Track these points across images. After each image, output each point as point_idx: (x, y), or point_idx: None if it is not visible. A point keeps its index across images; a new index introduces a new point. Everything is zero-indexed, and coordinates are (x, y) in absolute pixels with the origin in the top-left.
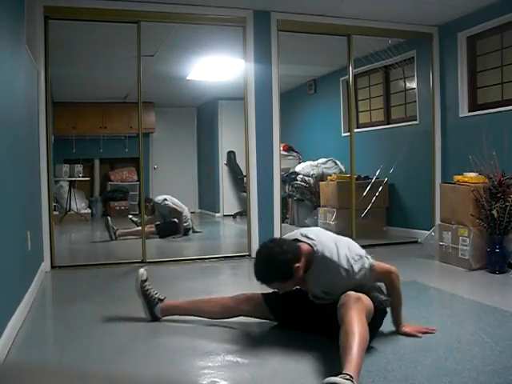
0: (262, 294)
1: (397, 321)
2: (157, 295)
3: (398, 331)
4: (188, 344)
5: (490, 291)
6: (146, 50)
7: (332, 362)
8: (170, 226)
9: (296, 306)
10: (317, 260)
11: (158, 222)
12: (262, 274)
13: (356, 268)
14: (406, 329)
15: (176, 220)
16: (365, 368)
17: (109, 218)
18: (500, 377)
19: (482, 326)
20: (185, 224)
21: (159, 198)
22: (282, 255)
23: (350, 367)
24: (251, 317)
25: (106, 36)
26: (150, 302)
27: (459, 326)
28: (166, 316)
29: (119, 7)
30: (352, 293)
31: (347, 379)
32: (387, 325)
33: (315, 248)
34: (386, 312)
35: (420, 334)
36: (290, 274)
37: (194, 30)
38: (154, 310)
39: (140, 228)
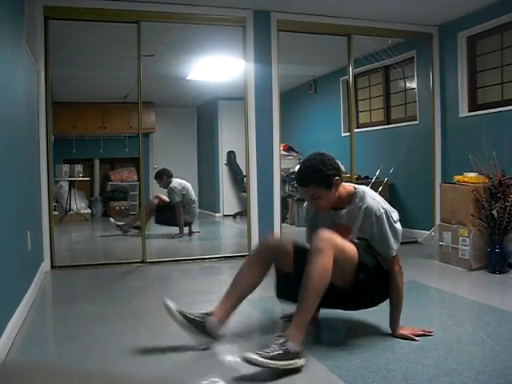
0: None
1: (393, 322)
2: (199, 312)
3: (394, 334)
4: (188, 344)
5: (490, 291)
6: (146, 50)
7: (333, 362)
8: (170, 213)
9: None
10: (357, 196)
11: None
12: (304, 173)
13: (394, 222)
14: (402, 331)
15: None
16: (365, 368)
17: (111, 219)
18: (500, 377)
19: (481, 326)
20: (188, 217)
21: (176, 184)
22: (328, 160)
23: (290, 329)
24: (275, 261)
25: (106, 36)
26: (198, 324)
27: (459, 326)
28: (223, 325)
29: (119, 7)
30: (321, 232)
31: (259, 355)
32: (387, 325)
33: (357, 188)
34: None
35: (417, 338)
36: (330, 182)
37: (193, 30)
38: (207, 329)
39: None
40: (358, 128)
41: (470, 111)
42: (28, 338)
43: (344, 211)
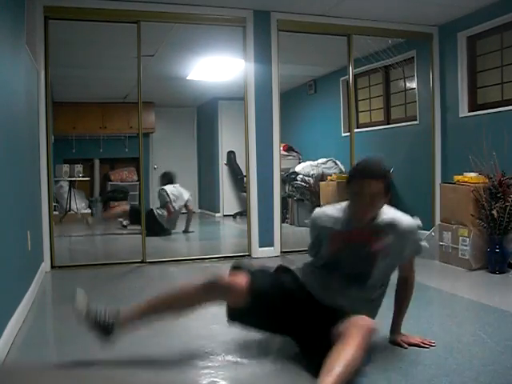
0: (249, 277)
1: (395, 326)
2: (107, 312)
3: (394, 340)
4: (188, 344)
5: (490, 291)
6: (146, 50)
7: None
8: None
9: (288, 305)
10: (384, 211)
11: (133, 204)
12: (377, 167)
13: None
14: (402, 339)
15: (158, 216)
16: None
17: (88, 219)
18: (500, 377)
19: (481, 326)
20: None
21: (169, 189)
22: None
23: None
24: (221, 301)
25: (105, 36)
26: (105, 326)
27: (459, 326)
28: (125, 329)
29: (119, 7)
30: (370, 321)
31: None
32: (387, 325)
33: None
34: None
35: (403, 345)
36: (389, 187)
37: (193, 30)
38: (113, 327)
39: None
40: (357, 128)
41: (469, 111)
42: (28, 337)
43: (375, 224)
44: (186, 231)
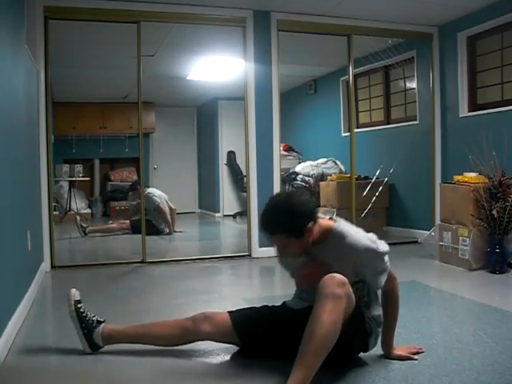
0: (229, 312)
1: (388, 341)
2: (94, 318)
3: (390, 355)
4: (188, 344)
5: (490, 291)
6: (146, 50)
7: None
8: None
9: (270, 330)
10: (336, 232)
11: (133, 218)
12: (269, 220)
13: (380, 247)
14: (399, 352)
15: (153, 221)
16: (365, 368)
17: (77, 217)
18: (500, 377)
19: (481, 326)
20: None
21: (151, 191)
22: (300, 206)
23: (294, 379)
24: (212, 340)
25: (106, 36)
26: (87, 327)
27: (459, 325)
28: (108, 344)
29: (119, 7)
30: (337, 275)
31: None
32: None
33: (336, 222)
34: (369, 335)
35: (415, 356)
36: (301, 230)
37: (193, 30)
38: (93, 336)
39: (109, 225)
40: (358, 128)
41: (469, 111)
42: (28, 337)
43: (321, 246)
44: (174, 231)
